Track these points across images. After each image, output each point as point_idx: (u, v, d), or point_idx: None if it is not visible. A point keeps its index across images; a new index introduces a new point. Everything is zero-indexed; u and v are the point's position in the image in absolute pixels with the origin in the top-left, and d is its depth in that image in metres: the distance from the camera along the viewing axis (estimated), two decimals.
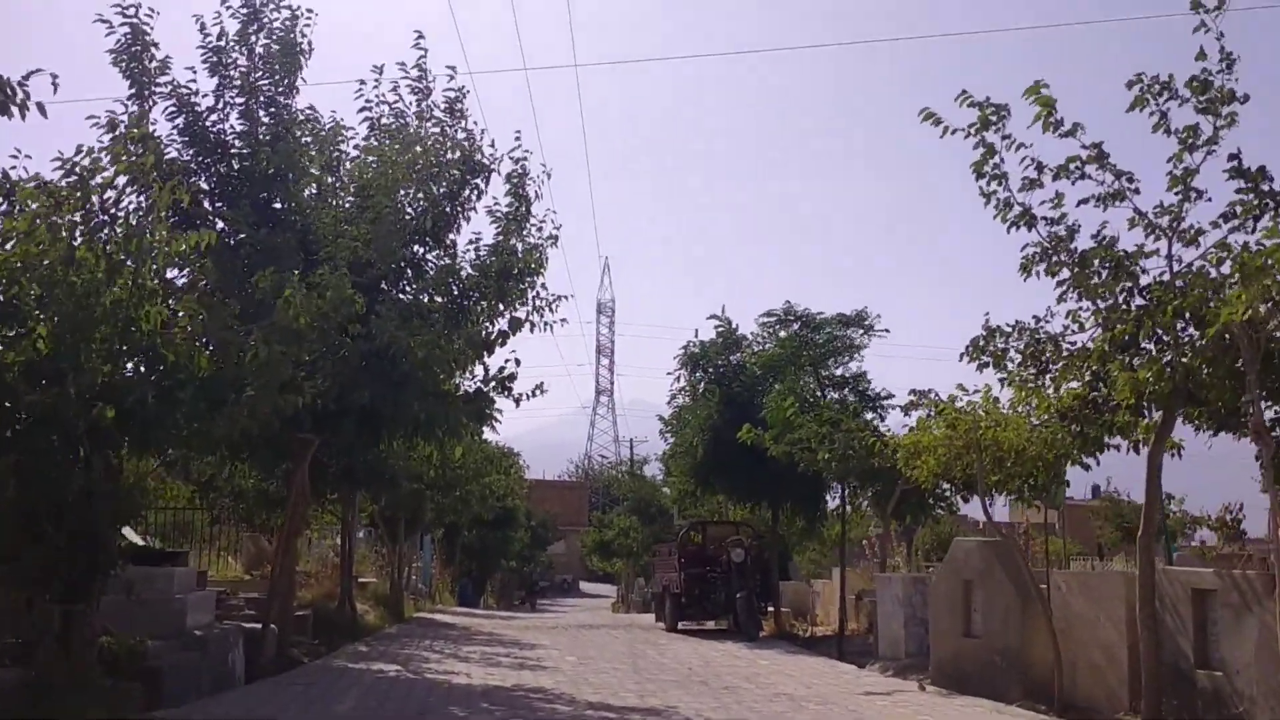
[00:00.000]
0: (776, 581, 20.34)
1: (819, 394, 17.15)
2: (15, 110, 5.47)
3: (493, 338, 11.58)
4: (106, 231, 7.34)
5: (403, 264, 12.20)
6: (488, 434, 22.36)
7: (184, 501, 20.49)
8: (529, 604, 43.08)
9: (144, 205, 7.38)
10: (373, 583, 22.44)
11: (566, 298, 11.81)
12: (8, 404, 6.95)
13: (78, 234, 7.27)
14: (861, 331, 17.08)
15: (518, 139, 12.87)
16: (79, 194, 7.28)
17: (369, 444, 12.32)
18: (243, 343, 7.89)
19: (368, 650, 14.08)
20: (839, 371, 17.45)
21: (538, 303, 11.68)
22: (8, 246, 7.37)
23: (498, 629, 20.10)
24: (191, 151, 12.44)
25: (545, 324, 11.63)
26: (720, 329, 20.65)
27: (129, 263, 7.29)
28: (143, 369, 7.65)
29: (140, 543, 14.97)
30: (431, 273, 12.42)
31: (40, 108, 5.62)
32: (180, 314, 7.83)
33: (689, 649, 15.99)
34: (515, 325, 11.52)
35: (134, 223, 7.37)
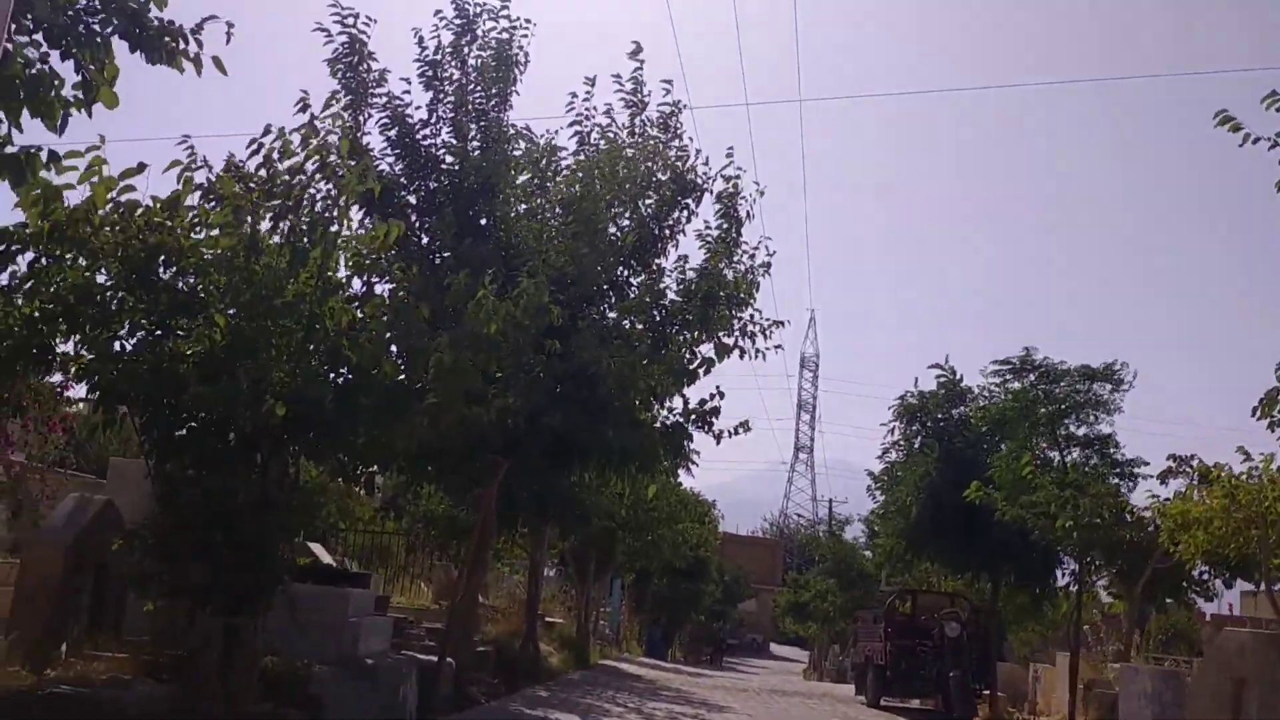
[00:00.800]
0: (994, 662, 18.34)
1: (1057, 455, 15.28)
2: (188, 65, 4.92)
3: (696, 365, 10.62)
4: (291, 219, 6.83)
5: (605, 285, 11.48)
6: (683, 478, 21.51)
7: (380, 525, 20.58)
8: (716, 661, 41.61)
9: (332, 194, 6.83)
10: (559, 624, 21.78)
11: (783, 323, 10.74)
12: (177, 399, 6.47)
13: (265, 219, 6.80)
14: (1110, 388, 15.14)
15: (729, 155, 11.99)
16: (266, 177, 6.81)
17: (560, 472, 11.57)
18: (430, 349, 7.21)
19: (548, 696, 13.25)
20: (1080, 431, 15.53)
21: (750, 328, 10.67)
22: (199, 233, 6.99)
23: (685, 685, 18.96)
24: (402, 165, 12.21)
25: (757, 350, 10.58)
26: (942, 379, 19.02)
27: (314, 252, 6.75)
28: (324, 369, 7.08)
29: (328, 561, 14.79)
30: (634, 296, 11.65)
31: (218, 62, 5.07)
32: (368, 314, 7.24)
33: None
34: (722, 351, 10.54)
35: (319, 210, 6.81)
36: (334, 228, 7.00)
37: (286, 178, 6.85)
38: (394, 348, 7.66)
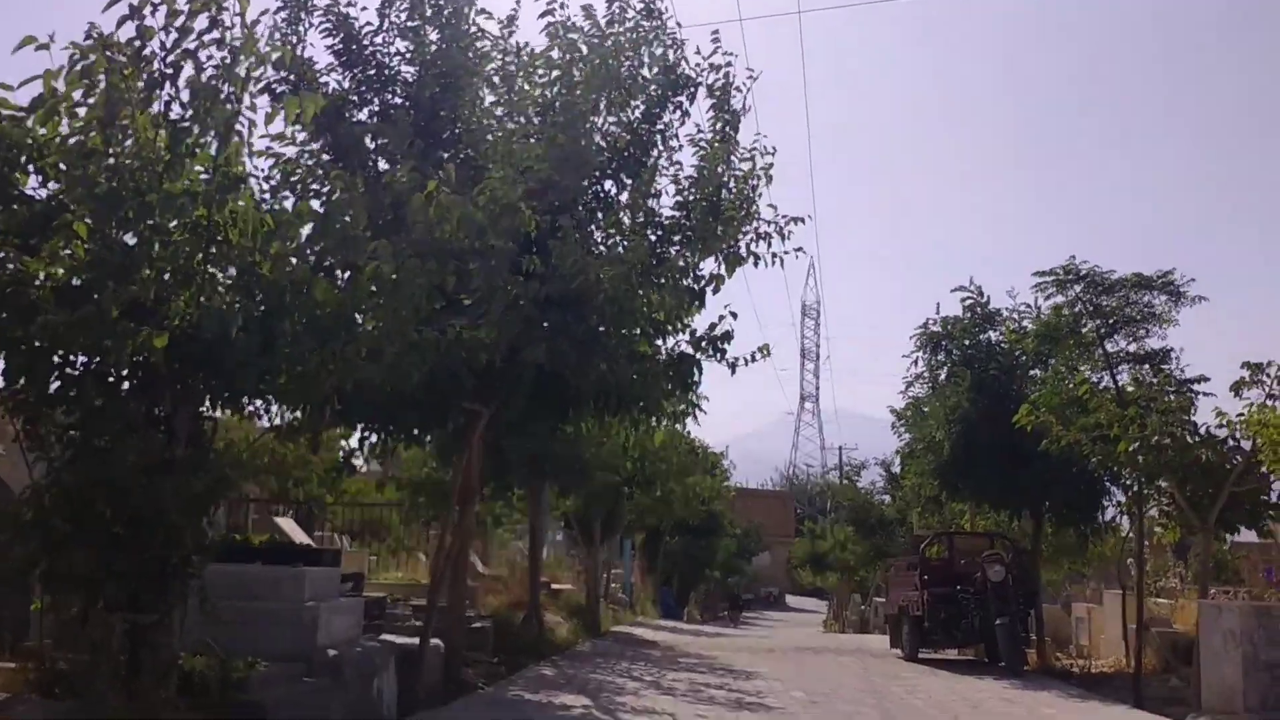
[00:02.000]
0: (1041, 606, 16.90)
1: (1106, 375, 13.70)
2: None
3: (704, 284, 9.03)
4: (169, 89, 5.23)
5: (591, 201, 9.87)
6: (692, 429, 19.97)
7: (373, 494, 19.13)
8: (734, 619, 40.40)
9: (226, 61, 5.22)
10: (568, 590, 20.36)
11: (801, 220, 9.13)
12: (26, 332, 4.91)
13: (137, 93, 5.18)
14: (1166, 298, 13.52)
15: (715, 40, 10.31)
16: (135, 43, 5.20)
17: (551, 420, 10.04)
18: (369, 258, 5.64)
19: (554, 674, 11.80)
20: (1131, 347, 13.94)
21: (764, 229, 9.07)
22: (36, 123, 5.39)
23: (705, 649, 17.54)
24: (351, 79, 10.59)
25: (774, 256, 8.99)
26: (968, 301, 17.42)
27: (199, 136, 5.16)
28: (231, 292, 5.52)
29: (303, 539, 13.31)
30: (626, 215, 10.04)
31: None
32: (286, 219, 5.65)
33: (943, 686, 12.96)
34: (732, 263, 8.93)
35: (207, 80, 5.19)
36: (230, 105, 5.39)
37: (163, 37, 5.23)
38: (327, 263, 6.08)
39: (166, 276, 5.16)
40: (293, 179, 6.65)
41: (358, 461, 10.26)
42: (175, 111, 5.22)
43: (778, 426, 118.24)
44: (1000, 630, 14.73)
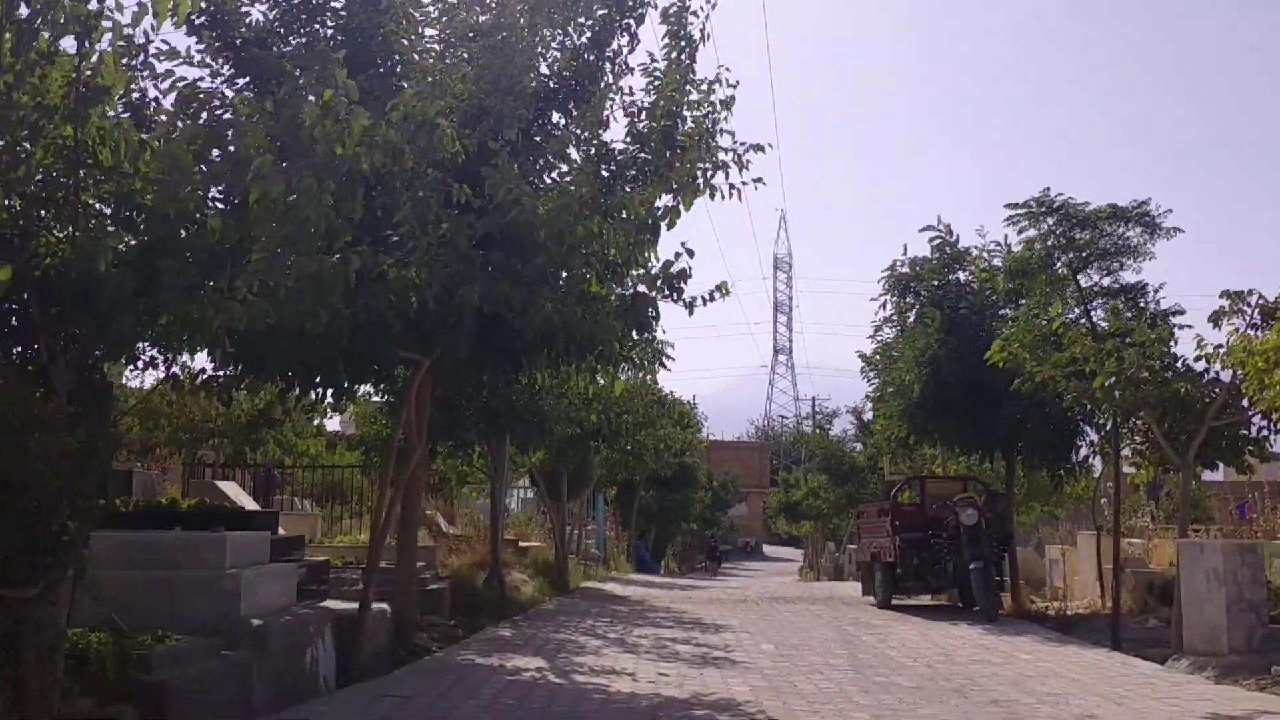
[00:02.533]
0: (1015, 549, 16.58)
1: (1079, 310, 13.24)
2: None
3: (659, 217, 8.41)
4: None
5: (535, 130, 9.21)
6: (665, 381, 19.45)
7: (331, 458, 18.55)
8: (712, 570, 40.21)
9: None
10: (536, 548, 19.87)
11: (762, 148, 8.50)
12: None
13: None
14: (1141, 230, 13.03)
15: None
16: None
17: (501, 369, 9.45)
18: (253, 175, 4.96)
19: (512, 635, 11.32)
20: (1106, 281, 13.47)
21: (722, 158, 8.45)
22: None
23: (676, 602, 17.14)
24: (275, 6, 9.83)
25: (731, 188, 8.37)
26: (937, 240, 16.90)
27: (46, 37, 4.49)
28: (100, 220, 4.87)
29: (248, 504, 12.71)
30: (575, 149, 9.38)
31: None
32: (162, 135, 4.99)
33: (916, 634, 12.59)
34: (689, 194, 8.29)
35: None
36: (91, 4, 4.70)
37: None
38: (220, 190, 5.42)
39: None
40: (193, 105, 5.96)
41: (276, 415, 9.62)
42: (23, 11, 4.53)
43: (752, 380, 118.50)
44: (974, 575, 14.38)
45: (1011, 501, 16.93)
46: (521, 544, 19.80)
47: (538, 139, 9.36)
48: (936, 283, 16.65)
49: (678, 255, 8.54)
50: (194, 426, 21.54)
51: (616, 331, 7.96)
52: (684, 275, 8.53)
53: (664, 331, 13.80)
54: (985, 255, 16.70)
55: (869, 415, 27.14)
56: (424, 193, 7.13)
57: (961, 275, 16.91)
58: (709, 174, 8.32)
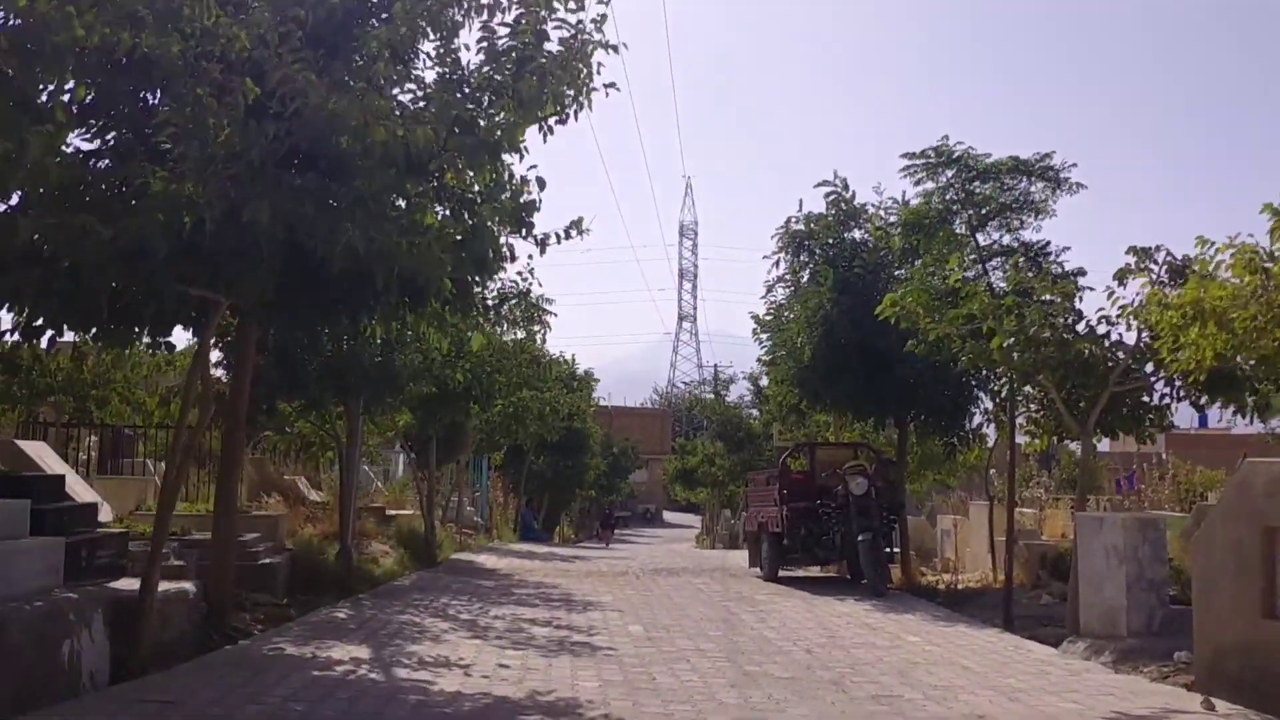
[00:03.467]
0: (905, 520, 15.88)
1: (978, 268, 12.43)
2: None
3: (499, 136, 7.15)
4: None
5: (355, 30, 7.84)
6: (563, 345, 18.37)
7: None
8: (605, 537, 39.29)
9: None
10: (406, 517, 18.55)
11: (616, 48, 7.34)
12: None
13: None
14: (1044, 185, 12.26)
15: None
16: None
17: (328, 315, 8.14)
18: None
19: (348, 617, 10.07)
20: (1004, 239, 12.70)
21: (586, 85, 7.30)
22: None
23: (551, 576, 16.05)
24: None
25: (579, 104, 7.21)
26: (832, 196, 15.98)
27: None
28: None
29: (59, 470, 11.21)
30: (420, 64, 8.05)
31: None
32: None
33: (800, 611, 11.73)
34: (530, 106, 7.07)
35: None
36: None
37: None
38: None
39: None
40: None
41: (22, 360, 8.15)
42: None
43: (658, 348, 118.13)
44: (863, 547, 13.59)
45: (904, 470, 16.21)
46: (390, 512, 18.46)
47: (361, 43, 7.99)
48: (831, 240, 15.76)
49: (525, 180, 7.35)
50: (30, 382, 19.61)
51: (445, 267, 6.71)
52: (531, 208, 7.33)
53: (538, 285, 12.67)
54: (882, 213, 15.90)
55: (765, 381, 26.42)
56: (201, 89, 5.78)
57: (857, 233, 16.07)
58: (576, 99, 7.15)
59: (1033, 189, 12.40)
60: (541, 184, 7.45)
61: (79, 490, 11.64)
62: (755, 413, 33.27)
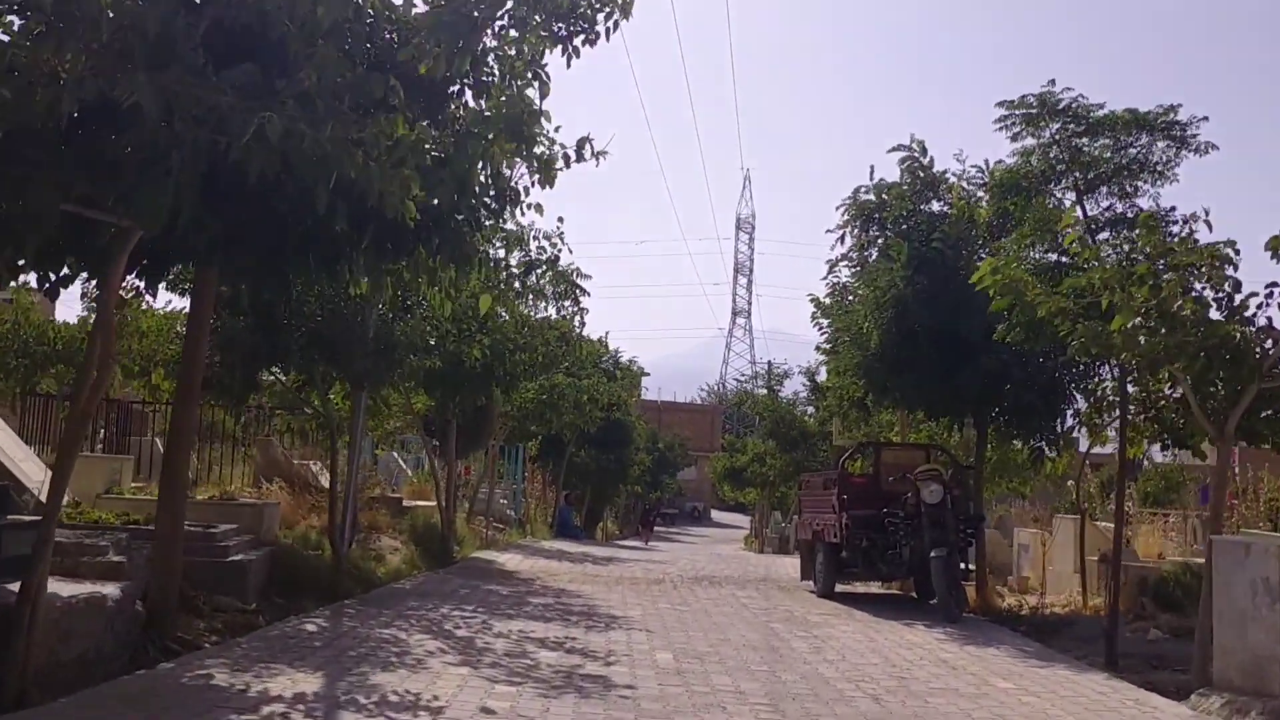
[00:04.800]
0: (984, 535, 13.94)
1: (1087, 239, 10.42)
2: None
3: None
4: None
5: None
6: (618, 342, 16.63)
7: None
8: (645, 535, 37.54)
9: None
10: (425, 509, 16.92)
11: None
12: None
13: None
14: (1167, 144, 10.27)
15: None
16: None
17: (267, 255, 6.49)
18: None
19: (315, 631, 8.41)
20: (1118, 207, 10.67)
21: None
22: None
23: (578, 581, 14.32)
24: None
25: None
26: (908, 163, 14.08)
27: None
28: None
29: (18, 452, 9.77)
30: None
31: None
32: None
33: (861, 639, 9.89)
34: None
35: None
36: None
37: None
38: None
39: None
40: None
41: None
42: None
43: (711, 345, 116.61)
44: (936, 565, 11.68)
45: (980, 477, 14.24)
46: (408, 504, 16.85)
47: None
48: (906, 212, 13.84)
49: (524, 84, 5.62)
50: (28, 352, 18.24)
51: (409, 187, 5.00)
52: (531, 116, 5.60)
53: (568, 251, 10.97)
54: (965, 184, 13.95)
55: (822, 376, 24.45)
56: None
57: (935, 205, 14.13)
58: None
59: (1153, 149, 10.39)
60: (544, 87, 5.71)
61: (29, 469, 10.17)
62: (811, 410, 31.23)
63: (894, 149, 14.17)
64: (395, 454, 24.38)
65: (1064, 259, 10.07)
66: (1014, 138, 10.65)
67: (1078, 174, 10.56)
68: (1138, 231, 8.38)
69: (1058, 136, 10.44)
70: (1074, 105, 10.31)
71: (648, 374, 32.33)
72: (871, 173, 14.34)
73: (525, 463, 28.32)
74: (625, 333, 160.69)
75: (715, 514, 75.02)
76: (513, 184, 6.74)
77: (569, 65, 6.49)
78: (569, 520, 28.96)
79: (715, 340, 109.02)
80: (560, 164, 6.07)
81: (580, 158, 6.17)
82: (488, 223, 7.05)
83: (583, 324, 16.60)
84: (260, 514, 11.22)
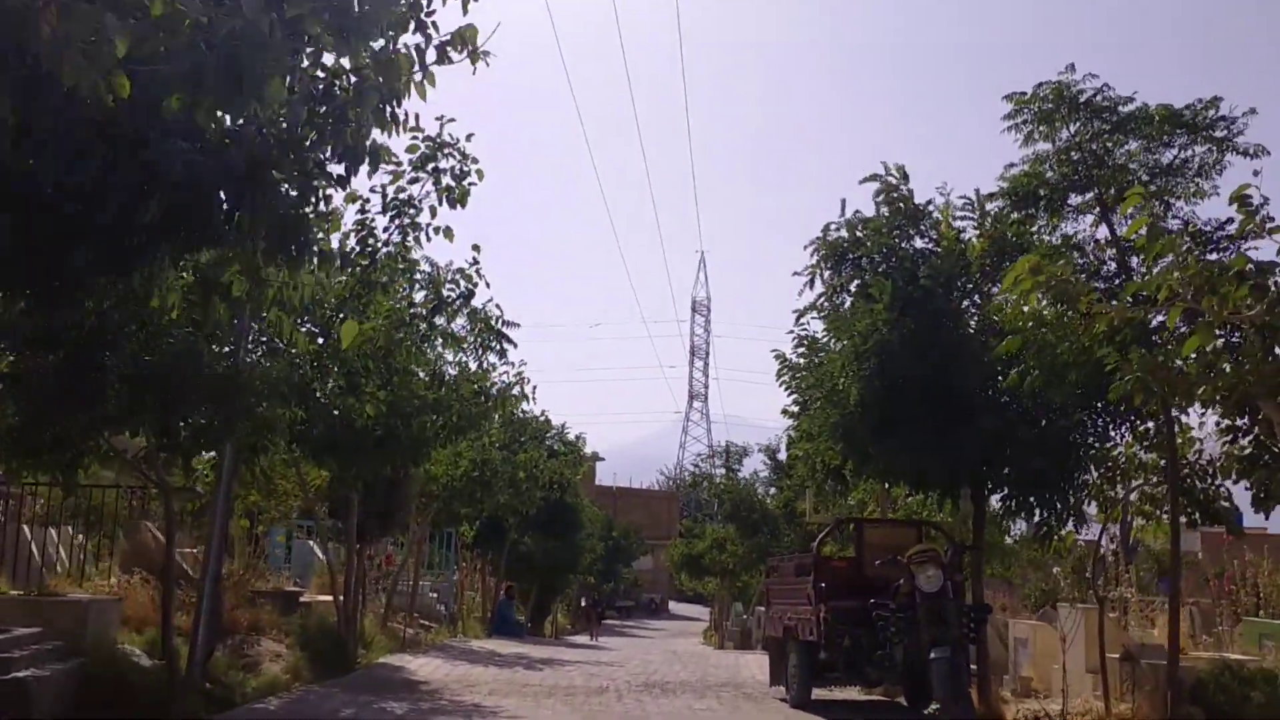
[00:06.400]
0: (986, 627, 11.70)
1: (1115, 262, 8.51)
2: None
3: None
4: None
5: None
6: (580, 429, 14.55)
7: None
8: (592, 630, 34.84)
9: None
10: (327, 605, 14.33)
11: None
12: None
13: None
14: (1207, 147, 8.45)
15: None
16: None
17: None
18: None
19: None
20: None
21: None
22: None
23: (500, 691, 11.83)
24: None
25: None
26: (882, 195, 12.17)
27: None
28: None
29: None
30: None
31: None
32: None
33: None
34: None
35: None
36: None
37: None
38: None
39: None
40: None
41: None
42: None
43: (669, 431, 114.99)
44: (938, 668, 9.41)
45: (981, 558, 12.08)
46: (306, 599, 14.30)
47: None
48: (885, 249, 11.89)
49: None
50: None
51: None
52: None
53: (485, 285, 8.96)
54: (953, 218, 12.07)
55: (783, 455, 22.36)
56: None
57: (919, 242, 12.21)
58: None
59: (1193, 151, 8.54)
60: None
61: None
62: (774, 490, 29.08)
63: (868, 179, 12.28)
64: (312, 543, 21.75)
65: (1098, 283, 8.10)
66: (1025, 140, 8.74)
67: (1099, 189, 8.64)
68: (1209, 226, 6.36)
69: (1078, 138, 8.52)
70: (1098, 97, 8.43)
71: (602, 459, 30.11)
72: (843, 207, 12.42)
73: (459, 550, 25.69)
74: (584, 416, 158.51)
75: (673, 605, 72.14)
76: (368, 138, 4.65)
77: None
78: (509, 616, 26.26)
79: (674, 424, 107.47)
80: (433, 56, 3.97)
81: (445, 58, 4.08)
82: (328, 192, 4.90)
83: (524, 394, 14.29)
84: (84, 614, 8.75)
